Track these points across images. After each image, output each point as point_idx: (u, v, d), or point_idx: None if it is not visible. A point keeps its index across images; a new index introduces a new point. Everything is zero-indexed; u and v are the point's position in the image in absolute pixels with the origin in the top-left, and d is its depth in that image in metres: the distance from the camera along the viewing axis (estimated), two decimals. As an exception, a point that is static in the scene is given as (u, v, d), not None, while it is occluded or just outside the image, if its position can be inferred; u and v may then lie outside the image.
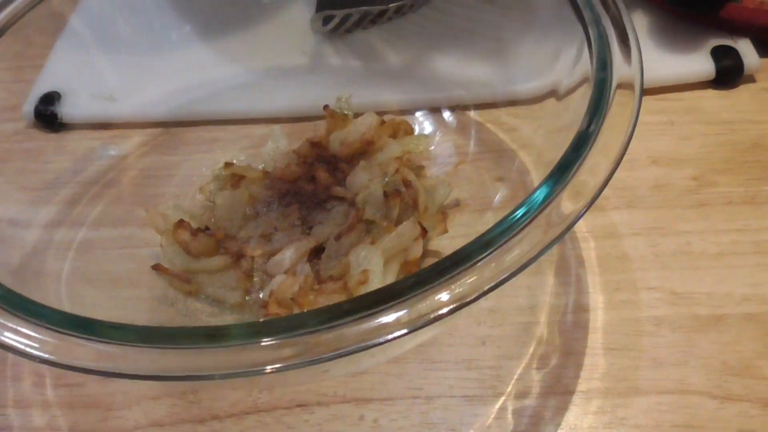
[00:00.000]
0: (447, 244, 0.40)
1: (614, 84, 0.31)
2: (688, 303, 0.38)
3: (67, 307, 0.35)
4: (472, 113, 0.45)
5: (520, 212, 0.27)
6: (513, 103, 0.43)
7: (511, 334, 0.37)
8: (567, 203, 0.28)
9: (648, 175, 0.43)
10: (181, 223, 0.40)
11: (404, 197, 0.40)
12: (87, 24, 0.46)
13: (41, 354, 0.25)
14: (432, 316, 0.25)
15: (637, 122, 0.30)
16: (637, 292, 0.38)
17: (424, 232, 0.38)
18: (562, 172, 0.28)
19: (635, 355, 0.36)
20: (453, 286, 0.25)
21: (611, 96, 0.31)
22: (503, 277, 0.25)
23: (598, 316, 0.38)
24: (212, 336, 0.25)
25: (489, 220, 0.40)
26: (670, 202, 0.42)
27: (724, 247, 0.40)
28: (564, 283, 0.39)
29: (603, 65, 0.31)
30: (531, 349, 0.37)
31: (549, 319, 0.38)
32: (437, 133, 0.45)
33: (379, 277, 0.36)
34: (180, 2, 0.50)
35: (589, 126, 0.29)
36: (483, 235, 0.27)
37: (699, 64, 0.48)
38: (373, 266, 0.36)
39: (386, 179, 0.41)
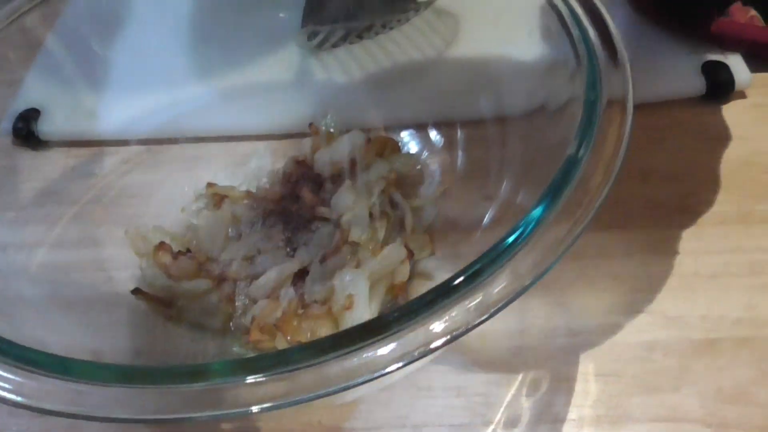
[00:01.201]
0: (435, 265, 0.39)
1: (604, 104, 0.30)
2: (681, 326, 0.37)
3: (40, 335, 0.34)
4: (459, 130, 0.44)
5: (510, 239, 0.26)
6: (501, 120, 0.42)
7: (501, 359, 0.37)
8: (558, 229, 0.27)
9: (640, 193, 0.43)
10: (161, 246, 0.39)
11: (390, 218, 0.39)
12: (65, 41, 0.45)
13: (12, 397, 0.24)
14: (417, 353, 0.24)
15: (629, 143, 0.29)
16: (629, 315, 0.38)
17: (411, 254, 0.37)
18: (552, 197, 0.27)
19: (627, 381, 0.35)
20: (443, 318, 0.25)
21: (601, 117, 0.30)
22: (494, 309, 0.25)
23: (589, 340, 0.37)
24: (194, 374, 0.24)
25: (478, 241, 0.40)
26: (662, 221, 0.41)
27: (717, 268, 0.39)
28: (554, 305, 0.38)
29: (592, 85, 0.30)
30: (520, 375, 0.36)
31: (539, 343, 0.37)
32: (424, 151, 0.44)
33: (365, 302, 0.35)
34: (160, 18, 0.49)
35: (578, 150, 0.28)
36: (473, 263, 0.26)
37: (690, 79, 0.47)
38: (358, 291, 0.35)
39: (372, 200, 0.40)
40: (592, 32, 0.33)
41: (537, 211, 0.27)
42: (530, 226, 0.27)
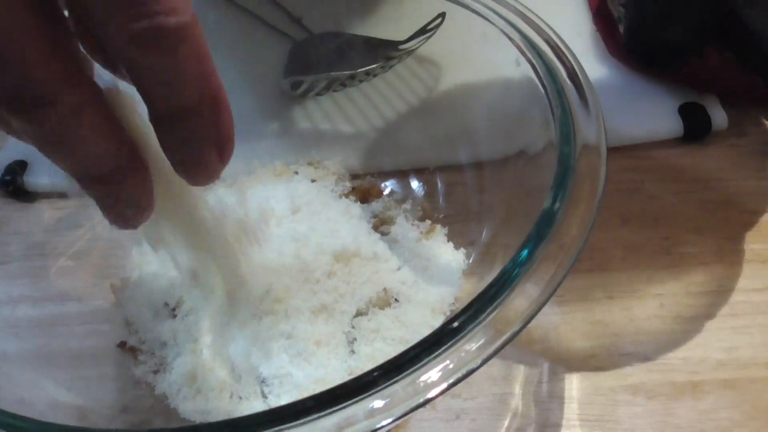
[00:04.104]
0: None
1: (578, 156, 0.31)
2: (664, 369, 0.37)
3: (24, 393, 0.34)
4: (439, 176, 0.45)
5: (491, 292, 0.27)
6: (479, 166, 0.43)
7: (486, 407, 0.37)
8: (535, 281, 0.28)
9: (620, 236, 0.43)
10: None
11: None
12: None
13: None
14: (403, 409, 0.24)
15: (603, 193, 0.30)
16: (612, 359, 0.38)
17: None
18: (529, 251, 0.28)
19: (612, 426, 0.35)
20: (433, 369, 0.25)
21: (575, 168, 0.30)
22: (473, 366, 0.25)
23: (573, 385, 0.37)
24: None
25: (461, 287, 0.40)
26: (642, 264, 0.42)
27: (697, 309, 0.39)
28: (537, 352, 0.38)
29: (566, 139, 0.31)
30: (506, 422, 0.36)
31: (524, 389, 0.37)
32: (407, 198, 0.45)
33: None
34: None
35: (554, 203, 0.29)
36: (453, 318, 0.26)
37: (667, 121, 0.48)
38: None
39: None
40: (566, 84, 0.34)
41: (513, 265, 0.27)
42: (508, 280, 0.27)
